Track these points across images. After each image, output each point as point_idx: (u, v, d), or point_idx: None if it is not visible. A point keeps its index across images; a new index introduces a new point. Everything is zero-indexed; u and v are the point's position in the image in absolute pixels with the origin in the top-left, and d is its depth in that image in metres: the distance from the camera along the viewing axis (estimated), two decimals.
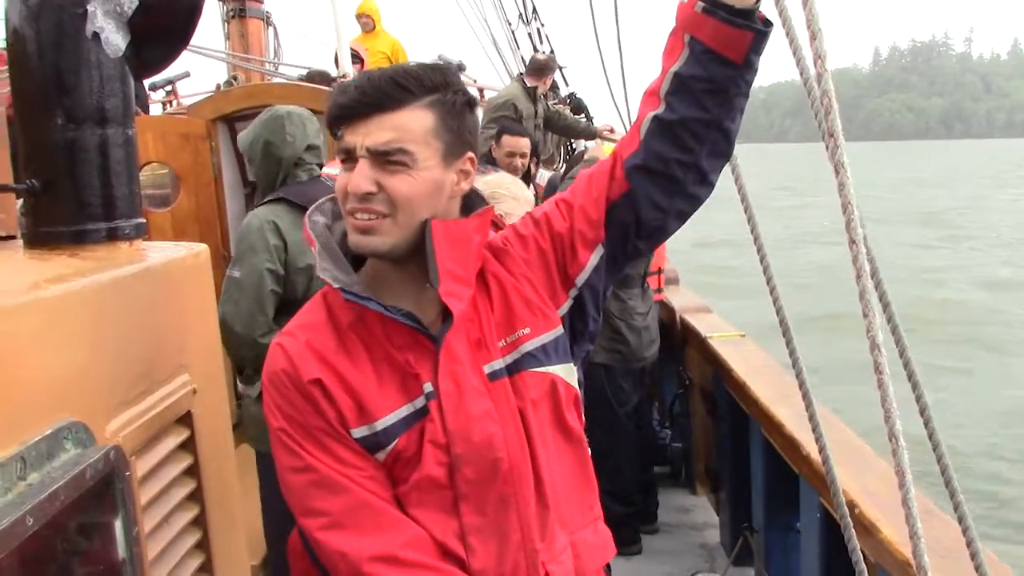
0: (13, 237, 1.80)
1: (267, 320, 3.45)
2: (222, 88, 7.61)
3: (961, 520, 1.79)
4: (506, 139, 5.34)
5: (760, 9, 1.55)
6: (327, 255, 1.58)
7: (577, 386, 1.73)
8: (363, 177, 1.50)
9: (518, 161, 5.19)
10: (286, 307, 3.44)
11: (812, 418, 1.99)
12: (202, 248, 1.87)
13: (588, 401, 1.88)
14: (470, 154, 1.63)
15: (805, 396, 1.98)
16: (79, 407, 1.30)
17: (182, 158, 5.35)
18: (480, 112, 6.31)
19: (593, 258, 1.66)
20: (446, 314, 1.58)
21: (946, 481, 1.84)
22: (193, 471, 1.70)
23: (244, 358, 3.51)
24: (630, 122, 6.98)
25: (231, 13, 7.56)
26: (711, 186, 1.66)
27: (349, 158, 1.53)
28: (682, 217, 1.69)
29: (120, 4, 1.67)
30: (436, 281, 1.55)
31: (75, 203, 1.66)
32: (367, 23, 9.85)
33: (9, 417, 1.13)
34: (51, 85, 1.63)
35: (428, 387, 1.57)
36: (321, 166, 3.67)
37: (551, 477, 1.64)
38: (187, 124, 5.40)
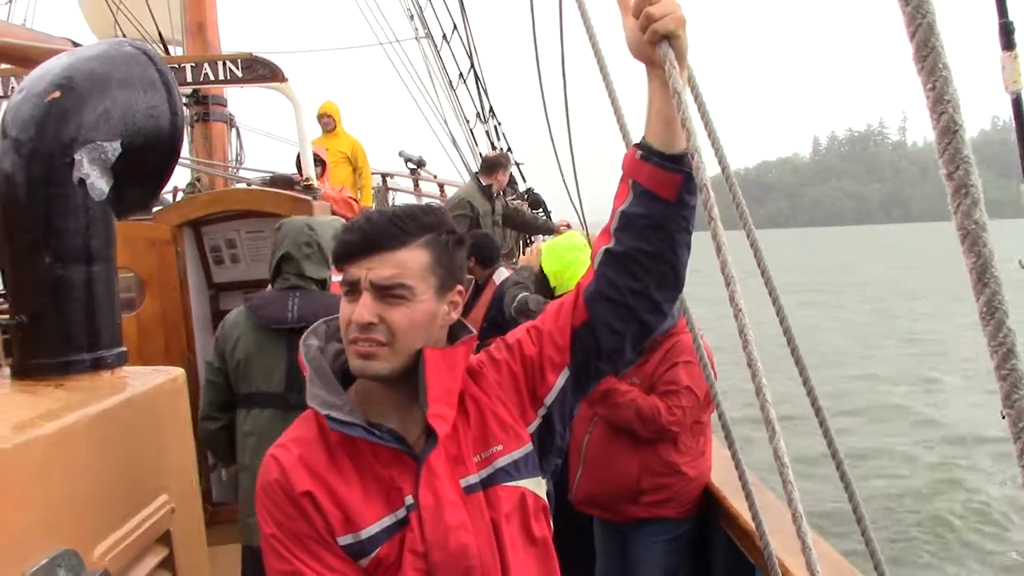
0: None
1: (207, 405, 3.85)
2: (182, 190, 7.75)
3: None
4: None
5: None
6: (318, 379, 1.72)
7: (546, 497, 1.86)
8: (366, 309, 1.65)
9: None
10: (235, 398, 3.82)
11: (755, 516, 2.13)
12: (178, 372, 1.98)
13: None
14: (459, 287, 1.80)
15: (748, 496, 2.11)
16: (70, 535, 1.40)
17: (147, 263, 5.45)
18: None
19: (560, 380, 1.81)
20: (429, 431, 1.72)
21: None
22: None
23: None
24: (584, 216, 7.05)
25: (195, 117, 7.71)
26: (664, 315, 1.82)
27: (353, 290, 1.68)
28: (638, 342, 1.85)
29: (104, 152, 1.82)
30: (425, 405, 1.70)
31: (61, 336, 1.78)
32: (328, 123, 10.07)
33: (11, 550, 1.24)
34: (40, 227, 1.76)
35: (409, 499, 1.69)
36: (302, 275, 3.81)
37: None
38: (152, 229, 5.50)
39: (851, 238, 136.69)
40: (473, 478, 1.74)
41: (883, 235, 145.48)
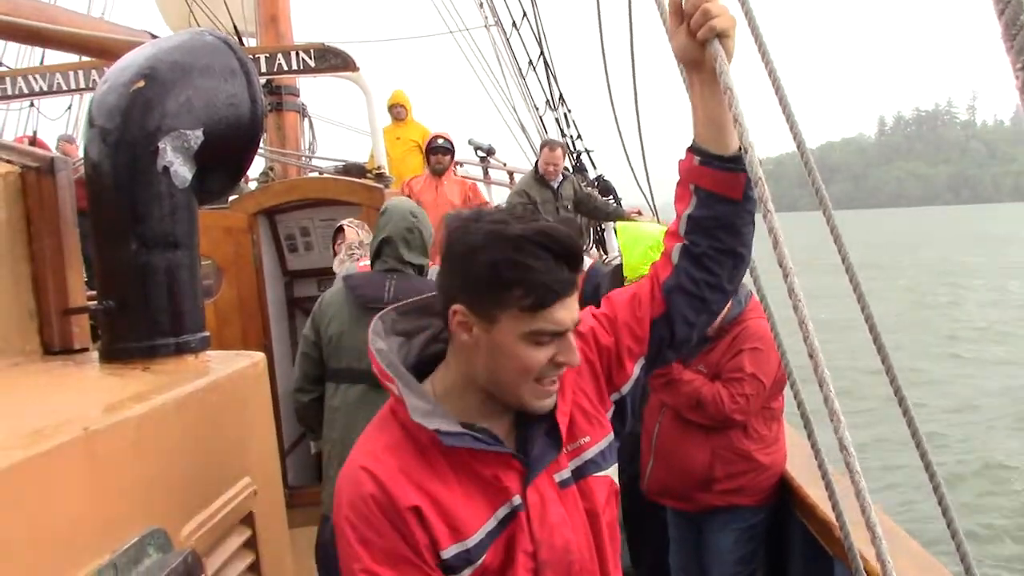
0: (86, 349, 1.96)
1: (300, 377, 4.03)
2: (255, 179, 7.89)
3: None
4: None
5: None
6: (409, 390, 1.61)
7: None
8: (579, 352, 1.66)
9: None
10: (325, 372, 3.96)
11: (835, 507, 2.08)
12: (260, 357, 2.02)
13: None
14: None
15: (828, 486, 2.07)
16: (159, 514, 1.43)
17: (224, 250, 5.56)
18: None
19: (636, 369, 1.83)
20: (516, 421, 1.71)
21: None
22: (255, 568, 1.83)
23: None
24: (654, 203, 7.05)
25: (268, 107, 7.82)
26: (729, 297, 1.89)
27: (551, 336, 1.61)
28: (704, 330, 1.90)
29: (188, 140, 1.85)
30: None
31: (147, 320, 1.82)
32: (400, 112, 10.14)
33: (103, 528, 1.27)
34: (127, 215, 1.80)
35: (517, 500, 1.65)
36: (400, 260, 3.84)
37: (615, 572, 1.78)
38: (229, 218, 5.61)
39: (918, 220, 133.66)
40: (566, 472, 1.73)
41: (949, 216, 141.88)
